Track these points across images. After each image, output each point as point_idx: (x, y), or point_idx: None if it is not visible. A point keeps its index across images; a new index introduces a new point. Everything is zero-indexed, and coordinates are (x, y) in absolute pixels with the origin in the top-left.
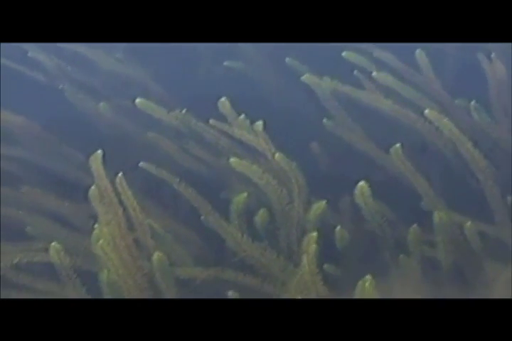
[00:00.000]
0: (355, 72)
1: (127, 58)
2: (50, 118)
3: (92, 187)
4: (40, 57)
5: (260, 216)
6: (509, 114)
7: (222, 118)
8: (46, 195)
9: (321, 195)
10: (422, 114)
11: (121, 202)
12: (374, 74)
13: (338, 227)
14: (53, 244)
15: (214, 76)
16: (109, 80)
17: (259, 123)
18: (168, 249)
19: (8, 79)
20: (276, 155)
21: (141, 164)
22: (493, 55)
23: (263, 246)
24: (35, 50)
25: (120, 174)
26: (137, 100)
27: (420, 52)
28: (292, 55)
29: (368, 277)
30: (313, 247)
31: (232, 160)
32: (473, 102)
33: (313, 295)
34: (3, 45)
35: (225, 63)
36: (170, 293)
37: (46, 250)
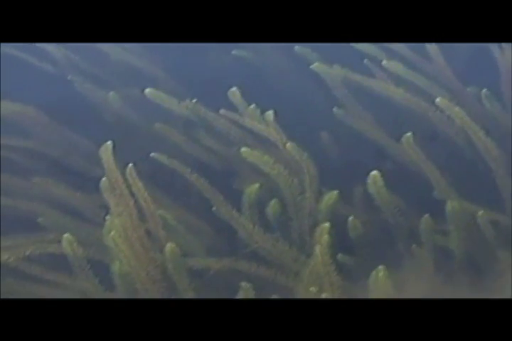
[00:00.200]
0: (366, 60)
1: (135, 48)
2: (60, 108)
3: (103, 179)
4: (49, 48)
5: (272, 207)
6: None
7: (232, 107)
8: (57, 185)
9: (332, 184)
10: (433, 102)
11: (132, 194)
12: (384, 62)
13: (351, 217)
14: (66, 235)
15: (222, 65)
16: (117, 70)
17: (270, 113)
18: (180, 239)
19: (17, 70)
20: (288, 144)
21: (152, 154)
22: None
23: (275, 237)
24: None
25: (130, 165)
26: (147, 90)
27: None
28: (301, 43)
29: (381, 267)
30: (325, 238)
31: (244, 150)
32: (484, 90)
33: (326, 286)
34: None
35: (234, 52)
36: (182, 284)
37: (58, 241)
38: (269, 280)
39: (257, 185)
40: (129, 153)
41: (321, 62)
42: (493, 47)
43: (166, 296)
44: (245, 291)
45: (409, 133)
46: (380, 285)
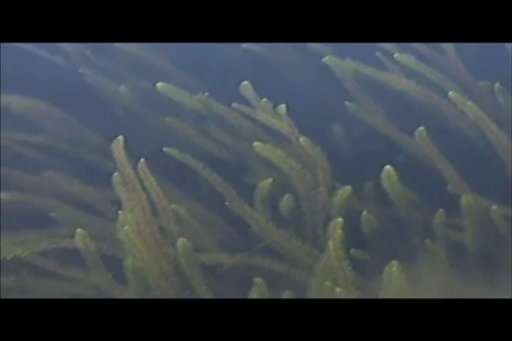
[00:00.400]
0: (378, 53)
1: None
2: (71, 102)
3: (115, 174)
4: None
5: (285, 201)
6: None
7: (242, 101)
8: (69, 180)
9: (344, 179)
10: (445, 96)
11: (144, 188)
12: (396, 55)
13: (365, 212)
14: (79, 230)
15: (232, 59)
16: (128, 64)
17: (282, 107)
18: (192, 234)
19: (29, 64)
20: (301, 139)
21: (165, 149)
22: None
23: (288, 232)
24: None
25: (142, 160)
26: (158, 84)
27: None
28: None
29: (395, 262)
30: (339, 232)
31: (256, 144)
32: (497, 84)
33: (341, 281)
34: None
35: (244, 46)
36: (195, 279)
37: (71, 236)
38: (282, 276)
39: (270, 180)
40: (140, 147)
41: (332, 56)
42: None
43: (178, 292)
44: (258, 287)
45: (422, 127)
46: (394, 280)
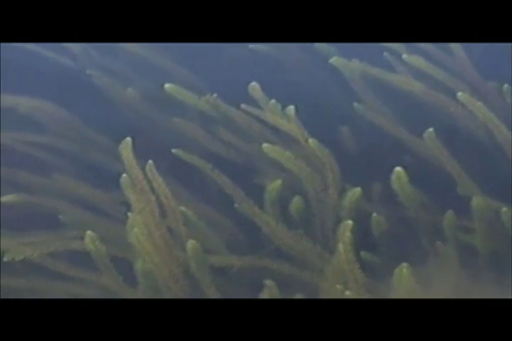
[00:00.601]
0: (385, 54)
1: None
2: (78, 103)
3: (124, 175)
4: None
5: (295, 203)
6: None
7: (249, 102)
8: (77, 182)
9: (352, 180)
10: (454, 97)
11: (153, 190)
12: (404, 56)
13: (375, 214)
14: (89, 232)
15: (239, 59)
16: (135, 65)
17: (291, 108)
18: (202, 236)
19: (36, 65)
20: (310, 140)
21: (174, 150)
22: None
23: (298, 233)
24: None
25: (150, 161)
26: (166, 85)
27: None
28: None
29: (405, 264)
30: (348, 235)
31: (265, 146)
32: (506, 85)
33: (351, 283)
34: None
35: (250, 46)
36: (205, 282)
37: (81, 238)
38: (293, 278)
39: (279, 182)
40: (148, 148)
41: (339, 56)
42: None
43: (188, 294)
44: (269, 289)
45: (431, 129)
46: (404, 282)
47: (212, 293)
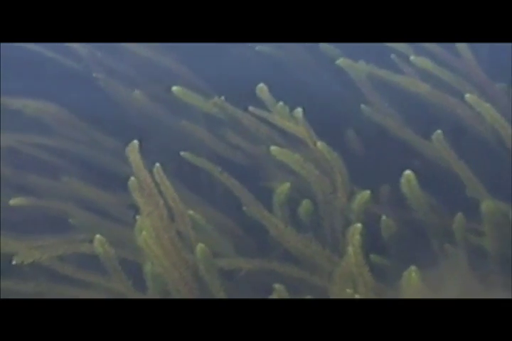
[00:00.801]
0: (393, 55)
1: (159, 45)
2: (85, 106)
3: (132, 178)
4: (74, 45)
5: (304, 207)
6: None
7: (256, 104)
8: (85, 185)
9: (360, 183)
10: (462, 98)
11: (161, 193)
12: (412, 58)
13: (384, 217)
14: (98, 236)
15: (245, 61)
16: (142, 67)
17: (299, 110)
18: (210, 240)
19: (41, 68)
20: (318, 143)
21: (182, 153)
22: None
23: (307, 236)
24: None
25: (158, 165)
26: (174, 87)
27: None
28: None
29: (413, 268)
30: (357, 238)
31: (273, 148)
32: None
33: (361, 287)
34: None
35: (257, 48)
36: (214, 285)
37: (90, 241)
38: (302, 281)
39: (287, 185)
40: (156, 151)
41: (346, 58)
42: None
43: (197, 297)
44: (278, 293)
45: (439, 131)
46: (413, 286)
47: (221, 296)
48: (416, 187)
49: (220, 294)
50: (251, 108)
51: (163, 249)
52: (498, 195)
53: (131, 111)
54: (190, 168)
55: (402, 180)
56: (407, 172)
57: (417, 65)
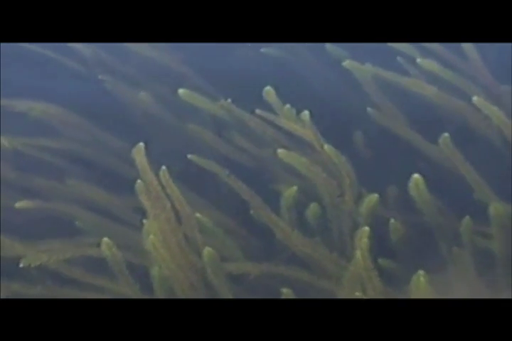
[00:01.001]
0: (399, 58)
1: (165, 47)
2: (91, 108)
3: (138, 181)
4: (79, 47)
5: (312, 210)
6: None
7: (261, 107)
8: (91, 187)
9: (367, 185)
10: (469, 101)
11: (168, 196)
12: (418, 60)
13: (392, 220)
14: (105, 239)
15: (250, 64)
16: (147, 69)
17: (306, 113)
18: (218, 243)
19: (48, 69)
20: (326, 146)
21: (189, 156)
22: None
23: (315, 240)
24: None
25: (164, 168)
26: (180, 90)
27: None
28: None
29: (421, 272)
30: (365, 242)
31: (280, 151)
32: None
33: (369, 291)
34: None
35: (262, 50)
36: (222, 289)
37: (97, 245)
38: (310, 285)
39: (294, 188)
40: (162, 154)
41: (352, 60)
42: None
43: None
44: (287, 297)
45: (446, 134)
46: (421, 290)
47: None
48: (424, 191)
49: (229, 298)
50: (258, 111)
51: (170, 253)
52: (506, 197)
53: (137, 113)
54: (196, 170)
55: (411, 184)
56: (416, 175)
57: (423, 67)
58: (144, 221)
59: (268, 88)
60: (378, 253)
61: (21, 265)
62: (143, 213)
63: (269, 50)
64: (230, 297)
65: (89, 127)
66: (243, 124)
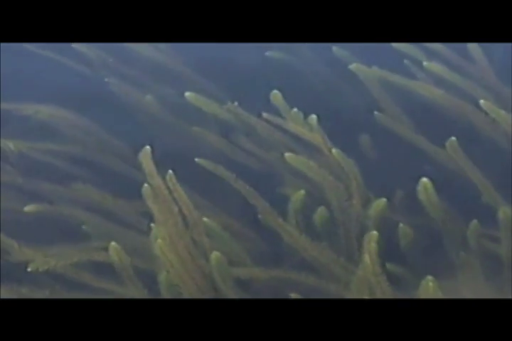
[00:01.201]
0: (406, 61)
1: (171, 50)
2: (97, 112)
3: (145, 185)
4: (84, 49)
5: (319, 214)
6: None
7: (269, 111)
8: (98, 191)
9: (374, 190)
10: (476, 105)
11: (175, 200)
12: (425, 63)
13: (401, 224)
14: (113, 243)
15: (255, 67)
16: (153, 72)
17: (314, 117)
18: (225, 248)
19: (55, 73)
20: (333, 150)
21: (197, 160)
22: None
23: (323, 245)
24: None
25: (170, 171)
26: (187, 94)
27: None
28: (338, 44)
29: (430, 277)
30: (374, 246)
31: (288, 155)
32: None
33: (378, 296)
34: None
35: (267, 53)
36: (230, 294)
37: (104, 249)
38: (318, 290)
39: (302, 192)
40: (168, 157)
41: (359, 63)
42: None
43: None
44: None
45: (453, 138)
46: (430, 295)
47: None
48: (433, 195)
49: None
50: (265, 114)
51: (178, 257)
52: None
53: (143, 116)
54: (204, 174)
55: (419, 188)
56: (424, 179)
57: (430, 71)
58: (152, 225)
59: (275, 92)
60: (385, 257)
61: (29, 269)
62: (150, 217)
63: (273, 53)
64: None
65: (95, 131)
66: (250, 128)
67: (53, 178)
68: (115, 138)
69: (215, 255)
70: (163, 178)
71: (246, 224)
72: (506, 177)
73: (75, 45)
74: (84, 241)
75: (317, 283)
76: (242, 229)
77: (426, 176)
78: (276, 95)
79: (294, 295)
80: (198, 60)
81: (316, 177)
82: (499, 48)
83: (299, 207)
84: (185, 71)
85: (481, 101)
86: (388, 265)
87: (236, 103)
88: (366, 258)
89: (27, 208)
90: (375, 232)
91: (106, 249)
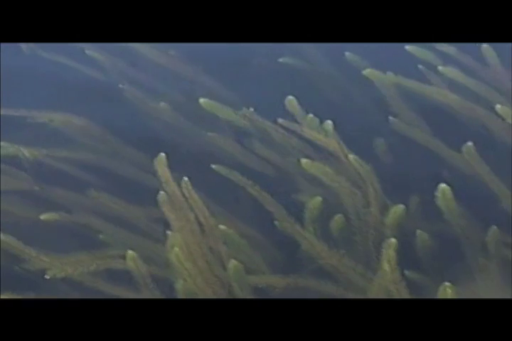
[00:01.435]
0: (420, 66)
1: (184, 56)
2: (111, 119)
3: (161, 192)
4: (97, 55)
5: (337, 221)
6: None
7: (283, 117)
8: (113, 199)
9: (390, 195)
10: (492, 109)
11: (191, 208)
12: (440, 68)
13: (419, 231)
14: (130, 252)
15: (268, 73)
16: (167, 79)
17: (329, 123)
18: (242, 256)
19: (67, 79)
20: (350, 156)
21: (214, 167)
22: None
23: (341, 252)
24: (91, 48)
25: (185, 178)
26: (201, 100)
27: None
28: (351, 49)
29: (448, 284)
30: (392, 254)
31: (304, 161)
32: None
33: None
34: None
35: (280, 60)
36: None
37: (121, 257)
38: (337, 298)
39: (319, 199)
40: (184, 164)
41: (373, 69)
42: None
43: None
44: None
45: (470, 143)
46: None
47: None
48: (452, 201)
49: None
50: (280, 120)
51: (195, 265)
52: None
53: (157, 123)
54: (219, 181)
55: (438, 194)
56: (443, 185)
57: (445, 75)
58: (168, 233)
59: (290, 97)
60: (404, 264)
61: (47, 277)
62: (166, 225)
63: (287, 59)
64: None
65: (110, 138)
66: (266, 134)
67: (69, 186)
68: (130, 145)
69: (232, 263)
70: (179, 185)
71: (262, 231)
72: None
73: (88, 51)
74: (101, 249)
75: (335, 290)
76: (258, 236)
77: (443, 182)
78: (291, 101)
79: None
80: (213, 65)
81: (333, 183)
82: None
83: (316, 214)
84: (198, 76)
85: (497, 106)
86: (407, 272)
87: (251, 109)
88: (385, 265)
89: (44, 216)
90: (393, 240)
91: (122, 257)
